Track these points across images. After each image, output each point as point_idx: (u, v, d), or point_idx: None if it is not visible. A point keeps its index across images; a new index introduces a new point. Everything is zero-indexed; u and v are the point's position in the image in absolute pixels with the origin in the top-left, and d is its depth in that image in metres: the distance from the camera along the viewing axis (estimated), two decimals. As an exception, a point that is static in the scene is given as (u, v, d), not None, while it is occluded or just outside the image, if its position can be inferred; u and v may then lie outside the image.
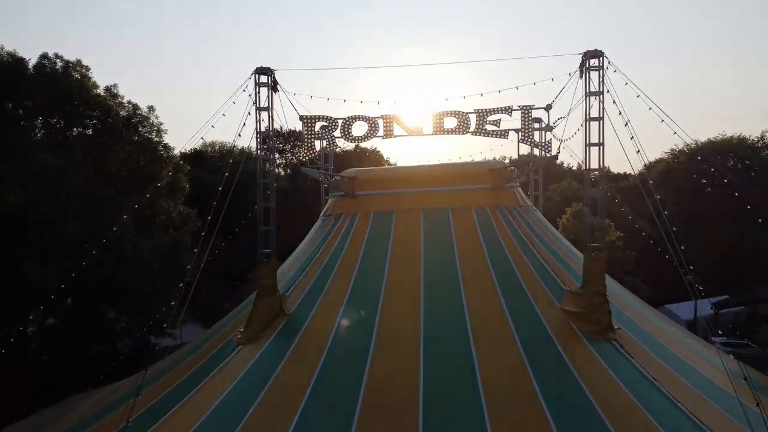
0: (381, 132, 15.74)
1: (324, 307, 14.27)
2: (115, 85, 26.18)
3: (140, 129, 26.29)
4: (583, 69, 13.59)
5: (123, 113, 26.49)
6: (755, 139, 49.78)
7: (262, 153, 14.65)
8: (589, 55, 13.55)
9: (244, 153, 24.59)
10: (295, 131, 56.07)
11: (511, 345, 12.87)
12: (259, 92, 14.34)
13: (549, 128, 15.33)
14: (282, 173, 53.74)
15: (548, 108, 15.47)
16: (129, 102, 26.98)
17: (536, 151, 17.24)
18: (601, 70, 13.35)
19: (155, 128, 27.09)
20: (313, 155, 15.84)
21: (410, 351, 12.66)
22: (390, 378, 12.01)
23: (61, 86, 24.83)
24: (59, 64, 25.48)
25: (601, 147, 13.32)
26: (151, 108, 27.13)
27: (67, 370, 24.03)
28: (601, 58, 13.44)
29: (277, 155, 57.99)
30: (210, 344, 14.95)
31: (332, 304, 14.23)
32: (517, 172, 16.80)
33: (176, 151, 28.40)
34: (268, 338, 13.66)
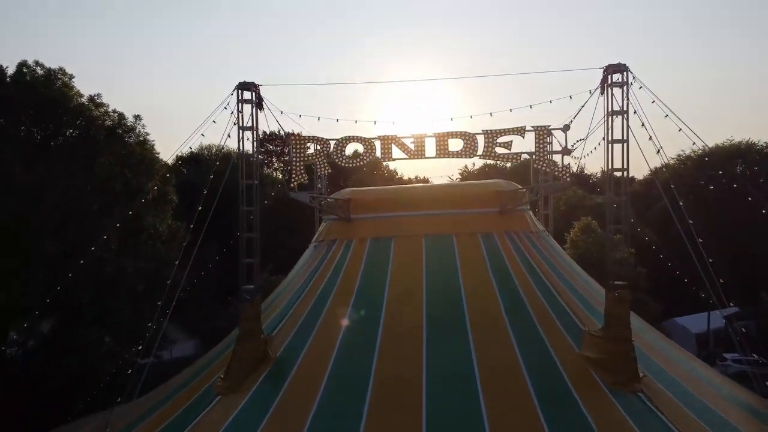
0: (378, 154, 14.26)
1: (314, 350, 12.81)
2: (98, 95, 24.73)
3: (126, 140, 24.82)
4: (605, 85, 12.11)
5: (108, 122, 25.09)
6: (764, 144, 48.46)
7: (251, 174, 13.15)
8: (611, 69, 12.09)
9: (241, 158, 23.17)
10: (293, 133, 55.17)
11: (525, 396, 11.45)
12: (242, 110, 12.87)
13: (567, 151, 13.85)
14: (280, 177, 52.18)
15: (566, 129, 13.98)
16: (114, 111, 25.58)
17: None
18: (625, 87, 11.88)
19: (141, 138, 25.70)
20: (302, 180, 14.34)
21: (412, 405, 11.23)
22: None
23: (41, 95, 23.39)
24: (40, 72, 24.05)
25: (625, 173, 11.85)
26: (137, 117, 25.74)
27: (41, 397, 22.55)
28: (624, 73, 11.98)
29: (274, 159, 56.61)
30: (190, 388, 13.47)
31: (323, 346, 12.77)
32: (528, 194, 15.30)
33: (164, 162, 27.04)
34: (251, 387, 12.19)
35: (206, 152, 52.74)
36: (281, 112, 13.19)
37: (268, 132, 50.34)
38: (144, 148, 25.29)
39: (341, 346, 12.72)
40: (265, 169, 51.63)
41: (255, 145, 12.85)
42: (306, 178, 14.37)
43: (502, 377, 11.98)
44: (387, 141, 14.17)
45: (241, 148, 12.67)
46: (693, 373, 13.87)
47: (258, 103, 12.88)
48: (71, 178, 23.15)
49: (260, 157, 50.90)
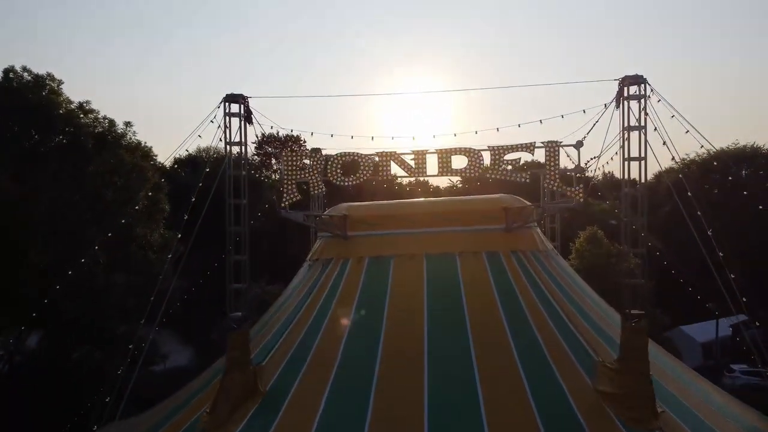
0: (378, 170, 13.37)
1: (307, 382, 11.92)
2: (87, 102, 23.86)
3: (116, 148, 23.96)
4: (621, 98, 11.21)
5: (98, 129, 24.26)
6: (770, 148, 47.42)
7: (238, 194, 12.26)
8: (627, 81, 11.19)
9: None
10: (293, 136, 54.16)
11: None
12: (229, 124, 11.98)
13: (580, 170, 12.95)
14: (278, 178, 51.36)
15: (579, 145, 13.06)
16: (104, 117, 24.75)
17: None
18: (643, 100, 10.98)
19: (133, 145, 24.87)
20: (294, 199, 13.43)
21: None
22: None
23: (29, 102, 22.54)
24: (27, 77, 23.20)
25: (643, 198, 10.95)
26: (127, 124, 24.91)
27: (26, 414, 21.68)
28: (642, 86, 11.08)
29: (273, 161, 55.60)
30: (175, 422, 12.59)
31: (317, 378, 11.88)
32: (536, 211, 14.39)
33: (161, 164, 26.29)
34: (239, 422, 11.31)
35: (204, 154, 51.88)
36: (271, 127, 12.29)
37: (264, 135, 49.67)
38: (134, 156, 24.46)
39: (336, 378, 11.84)
40: (263, 171, 50.72)
41: (244, 162, 11.92)
42: (298, 197, 13.46)
43: (509, 411, 11.11)
44: (386, 158, 13.29)
45: (228, 165, 11.75)
46: (707, 400, 12.99)
47: (246, 117, 11.98)
48: (60, 188, 22.36)
49: (258, 158, 50.28)
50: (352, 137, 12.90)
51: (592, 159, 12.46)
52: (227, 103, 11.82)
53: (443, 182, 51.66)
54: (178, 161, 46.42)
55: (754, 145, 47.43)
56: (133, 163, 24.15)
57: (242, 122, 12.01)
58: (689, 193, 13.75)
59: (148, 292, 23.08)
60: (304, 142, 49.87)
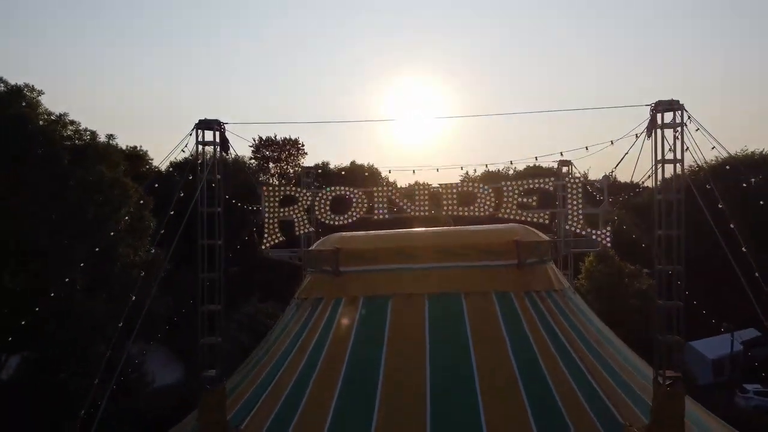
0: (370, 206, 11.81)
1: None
2: (65, 114, 22.35)
3: (95, 164, 22.41)
4: (654, 126, 9.65)
5: (79, 142, 22.76)
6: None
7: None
8: (661, 107, 9.62)
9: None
10: (290, 139, 52.52)
11: None
12: (203, 153, 10.43)
13: (608, 212, 11.36)
14: (276, 183, 49.75)
15: (606, 180, 11.46)
16: (86, 129, 23.22)
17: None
18: (681, 129, 9.42)
19: (115, 161, 23.31)
20: (276, 240, 11.83)
21: None
22: None
23: (4, 115, 21.04)
24: (2, 88, 21.70)
25: (681, 242, 9.38)
26: (110, 137, 23.38)
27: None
28: (679, 113, 9.52)
29: (271, 164, 53.98)
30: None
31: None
32: (553, 247, 12.79)
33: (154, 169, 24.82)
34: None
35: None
36: (251, 158, 10.76)
37: (262, 139, 48.10)
38: (116, 171, 22.91)
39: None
40: (261, 176, 49.14)
41: (220, 197, 10.36)
42: (281, 238, 11.85)
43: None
44: (381, 194, 11.73)
45: (200, 198, 10.18)
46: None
47: (222, 144, 10.41)
48: (37, 207, 20.89)
49: (255, 162, 48.71)
50: (342, 172, 11.22)
51: (621, 198, 10.88)
52: (200, 131, 10.24)
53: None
54: (174, 165, 44.87)
55: (763, 152, 45.91)
56: (114, 178, 22.60)
57: (216, 150, 10.42)
58: (723, 208, 12.15)
59: (131, 315, 21.71)
60: (303, 145, 48.39)
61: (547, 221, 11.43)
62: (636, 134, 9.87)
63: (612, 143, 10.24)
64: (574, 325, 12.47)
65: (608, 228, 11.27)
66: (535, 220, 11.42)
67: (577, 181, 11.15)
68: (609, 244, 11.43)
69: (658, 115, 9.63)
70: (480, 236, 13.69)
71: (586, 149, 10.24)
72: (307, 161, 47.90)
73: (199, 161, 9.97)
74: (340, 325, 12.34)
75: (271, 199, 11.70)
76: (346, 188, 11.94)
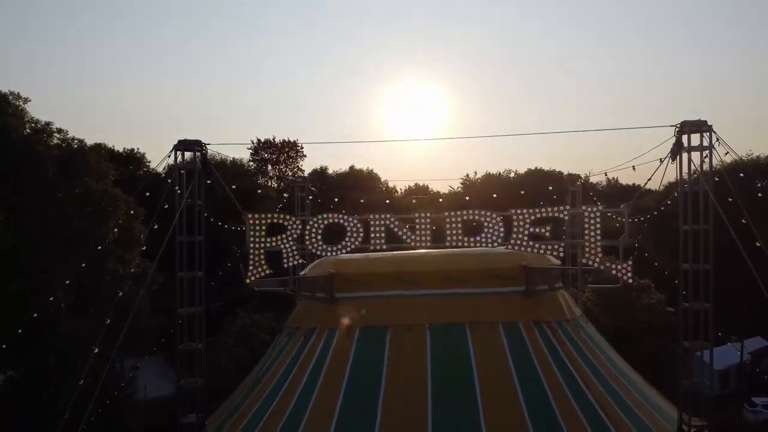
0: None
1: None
2: (50, 123, 21.47)
3: (81, 175, 21.51)
4: (679, 149, 8.70)
5: (66, 150, 21.90)
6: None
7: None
8: (687, 128, 8.67)
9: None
10: (289, 141, 51.45)
11: None
12: (183, 175, 9.48)
13: (629, 243, 10.39)
14: (274, 186, 48.77)
15: (627, 209, 10.49)
16: (73, 138, 22.37)
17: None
18: (710, 153, 8.48)
19: (103, 170, 22.41)
20: (262, 273, 10.84)
21: None
22: None
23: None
24: (-14, 97, 20.83)
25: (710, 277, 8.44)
26: (98, 146, 22.50)
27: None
28: (707, 134, 8.57)
29: (269, 167, 52.96)
30: None
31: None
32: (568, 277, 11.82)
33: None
34: None
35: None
36: (234, 187, 9.78)
37: (261, 141, 47.09)
38: (105, 183, 21.99)
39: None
40: (260, 178, 48.13)
41: (200, 224, 9.41)
42: (267, 271, 10.88)
43: None
44: (377, 224, 10.78)
45: (178, 227, 9.23)
46: None
47: (204, 167, 9.45)
48: (21, 221, 20.01)
49: (254, 164, 47.71)
50: (335, 201, 10.27)
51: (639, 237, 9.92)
52: (179, 152, 9.30)
53: (444, 187, 47.93)
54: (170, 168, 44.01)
55: None
56: (102, 190, 21.68)
57: (197, 173, 9.47)
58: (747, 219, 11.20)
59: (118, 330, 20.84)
60: (301, 147, 47.45)
61: (562, 254, 10.46)
62: (660, 159, 8.92)
63: (634, 169, 9.33)
64: (586, 358, 11.53)
65: (629, 262, 10.30)
66: (548, 252, 10.44)
67: (594, 211, 10.18)
68: (630, 281, 10.47)
69: (684, 137, 8.70)
70: (486, 260, 12.74)
71: (605, 176, 9.32)
72: (306, 164, 47.06)
73: (177, 188, 9.03)
74: (335, 357, 11.37)
75: (257, 228, 10.72)
76: (341, 216, 10.98)
